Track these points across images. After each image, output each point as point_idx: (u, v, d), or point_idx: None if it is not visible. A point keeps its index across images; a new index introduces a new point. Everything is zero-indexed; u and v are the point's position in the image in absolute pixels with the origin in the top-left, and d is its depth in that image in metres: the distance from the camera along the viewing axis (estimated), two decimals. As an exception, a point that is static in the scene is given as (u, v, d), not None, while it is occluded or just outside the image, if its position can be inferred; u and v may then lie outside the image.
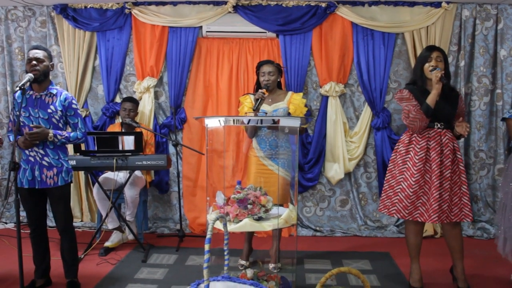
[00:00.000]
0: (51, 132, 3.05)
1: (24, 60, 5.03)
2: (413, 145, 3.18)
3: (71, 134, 3.18)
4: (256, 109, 3.33)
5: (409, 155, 3.18)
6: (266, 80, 3.58)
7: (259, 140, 3.66)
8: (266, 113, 3.57)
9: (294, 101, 3.65)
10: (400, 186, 3.18)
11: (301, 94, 3.80)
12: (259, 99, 3.36)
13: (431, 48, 3.21)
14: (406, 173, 3.16)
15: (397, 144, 3.32)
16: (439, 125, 3.14)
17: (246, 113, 3.60)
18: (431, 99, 3.06)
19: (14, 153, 2.73)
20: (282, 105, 3.65)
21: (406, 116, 3.15)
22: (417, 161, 3.12)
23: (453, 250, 3.24)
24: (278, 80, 3.72)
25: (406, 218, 3.16)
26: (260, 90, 3.45)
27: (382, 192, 3.34)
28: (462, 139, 4.74)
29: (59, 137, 3.09)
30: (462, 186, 3.15)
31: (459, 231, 3.21)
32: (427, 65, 3.14)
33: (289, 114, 3.61)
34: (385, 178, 3.33)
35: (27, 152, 3.12)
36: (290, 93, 3.74)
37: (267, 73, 3.60)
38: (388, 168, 3.34)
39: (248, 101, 3.70)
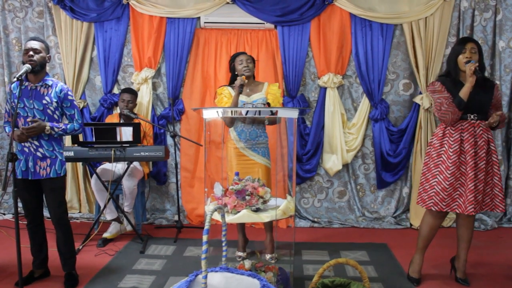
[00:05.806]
0: (48, 125, 3.03)
1: (21, 51, 5.00)
2: (447, 138, 3.14)
3: (68, 126, 3.16)
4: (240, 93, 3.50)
5: (444, 148, 3.14)
6: (245, 66, 3.61)
7: (238, 131, 3.66)
8: (244, 104, 3.60)
9: (271, 91, 3.69)
10: (436, 179, 3.14)
11: (277, 84, 3.82)
12: (241, 84, 3.49)
13: (465, 40, 3.14)
14: (441, 166, 3.13)
15: (431, 138, 3.28)
16: (472, 117, 3.09)
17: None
18: (464, 92, 3.00)
19: (12, 143, 2.73)
20: (260, 95, 3.67)
21: (438, 109, 3.11)
22: (451, 154, 3.08)
23: (462, 240, 3.26)
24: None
25: (443, 210, 3.13)
26: (238, 77, 3.56)
27: (419, 185, 3.31)
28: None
29: (56, 129, 3.07)
30: (495, 177, 3.14)
31: (473, 221, 3.23)
32: (461, 56, 3.07)
33: (268, 104, 3.65)
34: (422, 172, 3.31)
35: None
36: (266, 83, 3.76)
37: (245, 61, 3.64)
38: (424, 162, 3.31)
39: (226, 92, 3.68)
